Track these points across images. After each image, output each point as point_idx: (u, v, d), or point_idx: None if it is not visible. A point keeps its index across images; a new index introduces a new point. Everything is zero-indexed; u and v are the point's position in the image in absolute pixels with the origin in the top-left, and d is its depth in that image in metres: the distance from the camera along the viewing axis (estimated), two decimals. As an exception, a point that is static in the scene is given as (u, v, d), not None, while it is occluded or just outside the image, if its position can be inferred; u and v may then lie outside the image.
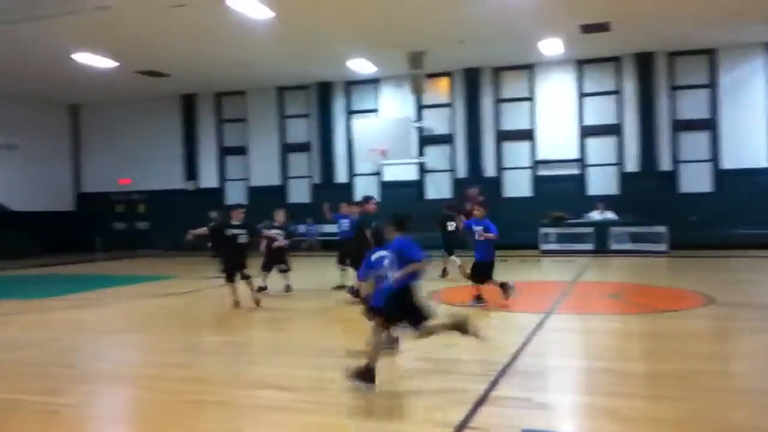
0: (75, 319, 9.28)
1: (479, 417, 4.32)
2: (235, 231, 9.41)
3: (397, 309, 5.26)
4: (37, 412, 4.63)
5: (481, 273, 9.24)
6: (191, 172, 23.63)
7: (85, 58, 17.26)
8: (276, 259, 11.04)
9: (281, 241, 10.86)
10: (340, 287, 10.89)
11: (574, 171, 19.74)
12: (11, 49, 16.24)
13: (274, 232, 10.86)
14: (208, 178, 23.57)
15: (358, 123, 20.74)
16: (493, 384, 5.06)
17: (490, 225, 9.23)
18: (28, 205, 22.14)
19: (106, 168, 24.43)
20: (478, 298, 9.16)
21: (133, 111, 23.89)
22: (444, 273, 12.75)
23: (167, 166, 23.66)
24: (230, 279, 9.41)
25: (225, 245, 9.44)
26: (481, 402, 4.62)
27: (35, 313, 9.59)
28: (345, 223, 11.47)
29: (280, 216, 11.14)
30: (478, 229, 9.24)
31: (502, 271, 14.25)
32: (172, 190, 23.43)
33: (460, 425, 4.17)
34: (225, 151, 23.53)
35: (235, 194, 23.17)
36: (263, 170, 22.90)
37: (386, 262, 5.65)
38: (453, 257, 12.71)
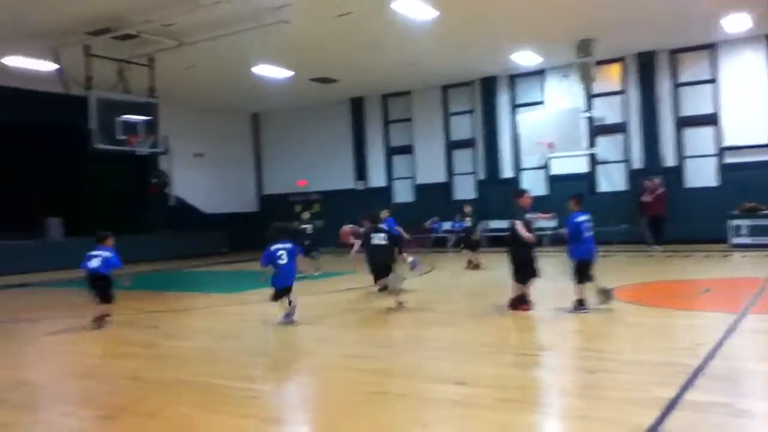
0: (265, 312, 10.02)
1: (671, 421, 4.11)
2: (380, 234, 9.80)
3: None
4: (241, 397, 5.08)
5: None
6: (361, 172, 24.56)
7: (264, 69, 18.61)
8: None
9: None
10: None
11: (768, 157, 17.93)
12: (201, 65, 17.90)
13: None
14: (377, 178, 24.35)
15: (524, 116, 20.38)
16: (684, 387, 4.77)
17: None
18: (218, 207, 24.24)
19: (285, 171, 26.13)
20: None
21: (306, 116, 25.32)
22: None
23: (339, 167, 24.80)
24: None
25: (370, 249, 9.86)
26: (672, 406, 4.38)
27: (234, 306, 10.53)
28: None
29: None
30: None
31: (675, 268, 13.40)
32: (344, 190, 24.50)
33: (650, 429, 3.99)
34: (392, 151, 24.19)
35: (403, 193, 23.77)
36: (429, 168, 23.23)
37: (283, 253, 8.38)
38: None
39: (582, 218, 8.43)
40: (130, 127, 15.44)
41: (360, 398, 4.95)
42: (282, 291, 8.36)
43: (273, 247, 8.42)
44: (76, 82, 14.66)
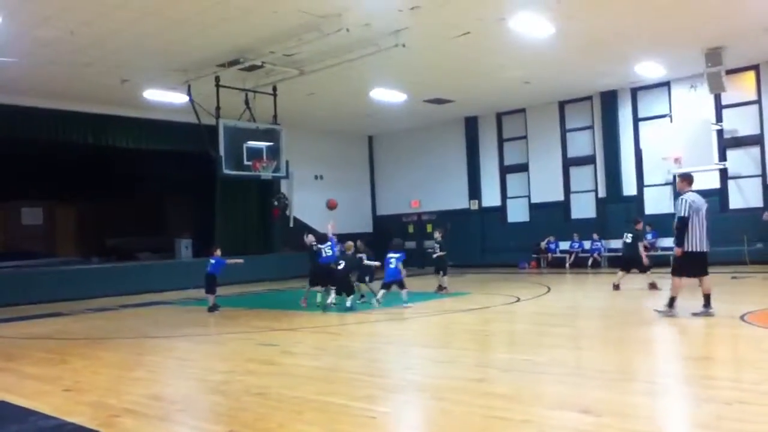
0: (381, 332, 10.18)
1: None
2: None
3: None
4: (360, 417, 5.13)
5: None
6: (474, 191, 24.41)
7: (380, 93, 19.01)
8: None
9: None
10: None
11: None
12: (320, 91, 18.57)
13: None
14: (491, 197, 24.10)
15: (647, 130, 19.59)
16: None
17: None
18: (334, 228, 24.84)
19: (398, 192, 26.47)
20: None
21: (419, 137, 25.58)
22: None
23: (452, 187, 24.81)
24: None
25: None
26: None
27: (353, 325, 10.72)
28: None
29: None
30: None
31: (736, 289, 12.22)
32: (457, 210, 24.44)
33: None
34: (506, 170, 23.88)
35: (517, 212, 23.38)
36: (544, 186, 22.73)
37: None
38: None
39: None
40: (256, 153, 16.21)
41: (480, 423, 4.86)
42: (387, 284, 12.31)
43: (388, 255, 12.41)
44: (206, 112, 15.62)
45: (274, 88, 16.58)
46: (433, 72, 17.39)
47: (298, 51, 14.49)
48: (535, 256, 22.13)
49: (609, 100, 20.93)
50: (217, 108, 15.41)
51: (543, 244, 22.05)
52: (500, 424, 4.80)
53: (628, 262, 13.58)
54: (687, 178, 9.75)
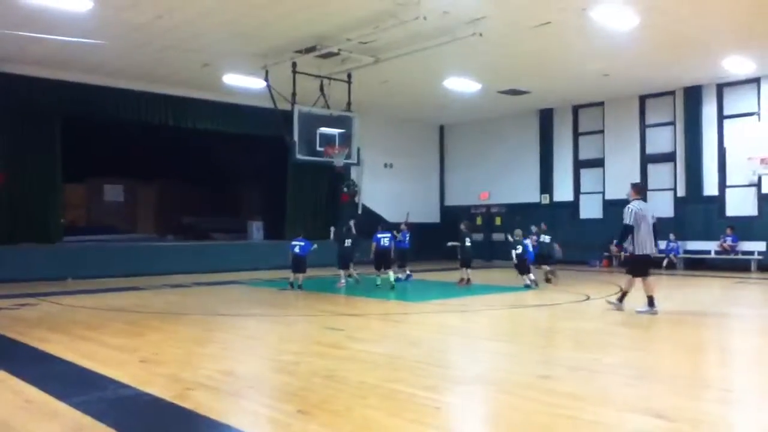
0: (445, 323, 10.15)
1: None
2: None
3: None
4: (424, 407, 5.14)
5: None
6: (546, 185, 23.96)
7: (453, 83, 18.86)
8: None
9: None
10: None
11: None
12: (394, 79, 18.59)
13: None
14: (563, 192, 23.61)
15: (733, 128, 18.75)
16: None
17: None
18: (401, 217, 24.84)
19: (467, 183, 26.26)
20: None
21: (491, 128, 25.26)
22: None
23: (523, 180, 24.43)
24: None
25: None
26: None
27: (416, 314, 10.76)
28: None
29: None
30: None
31: None
32: (526, 203, 24.05)
33: None
34: (580, 164, 23.33)
35: (590, 208, 22.81)
36: (620, 183, 21.97)
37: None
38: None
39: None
40: (328, 139, 16.38)
41: (547, 421, 4.79)
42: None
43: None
44: (282, 98, 15.89)
45: (349, 76, 16.69)
46: (510, 62, 17.12)
47: (374, 39, 14.52)
48: (607, 254, 21.53)
49: (693, 96, 20.09)
50: (293, 94, 15.64)
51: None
52: (568, 423, 4.73)
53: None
54: (636, 188, 10.50)
